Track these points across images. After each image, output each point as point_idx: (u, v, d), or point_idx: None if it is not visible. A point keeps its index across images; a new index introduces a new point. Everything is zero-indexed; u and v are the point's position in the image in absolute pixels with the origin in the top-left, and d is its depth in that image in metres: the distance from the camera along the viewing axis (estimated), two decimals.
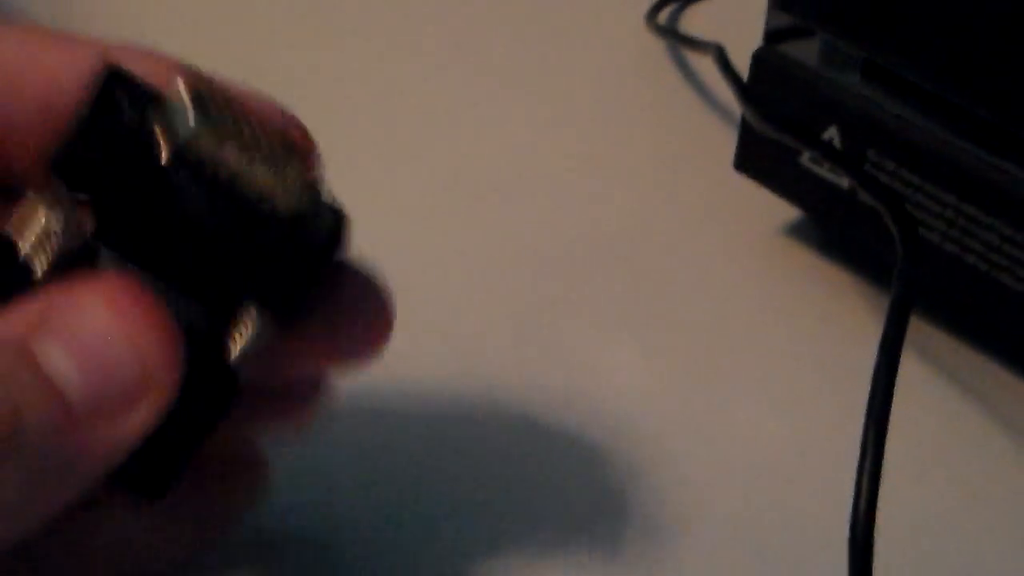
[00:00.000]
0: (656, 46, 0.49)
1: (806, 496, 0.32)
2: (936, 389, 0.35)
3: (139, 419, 0.23)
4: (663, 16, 0.51)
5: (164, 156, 0.23)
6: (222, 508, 0.27)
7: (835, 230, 0.39)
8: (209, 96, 0.23)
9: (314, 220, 0.25)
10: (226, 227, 0.24)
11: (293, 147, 0.24)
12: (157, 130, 0.23)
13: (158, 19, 0.49)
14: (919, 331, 0.36)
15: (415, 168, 0.42)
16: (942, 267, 0.35)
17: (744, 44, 0.38)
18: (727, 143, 0.40)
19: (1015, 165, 0.33)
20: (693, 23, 0.51)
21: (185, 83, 0.23)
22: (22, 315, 0.23)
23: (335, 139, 0.42)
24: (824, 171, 0.37)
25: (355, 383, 0.30)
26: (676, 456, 0.33)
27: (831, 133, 0.36)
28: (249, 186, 0.23)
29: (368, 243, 0.38)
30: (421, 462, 0.32)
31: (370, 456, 0.32)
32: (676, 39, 0.48)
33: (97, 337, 0.22)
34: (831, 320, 0.37)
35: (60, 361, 0.22)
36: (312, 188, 0.24)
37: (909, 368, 0.30)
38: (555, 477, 0.32)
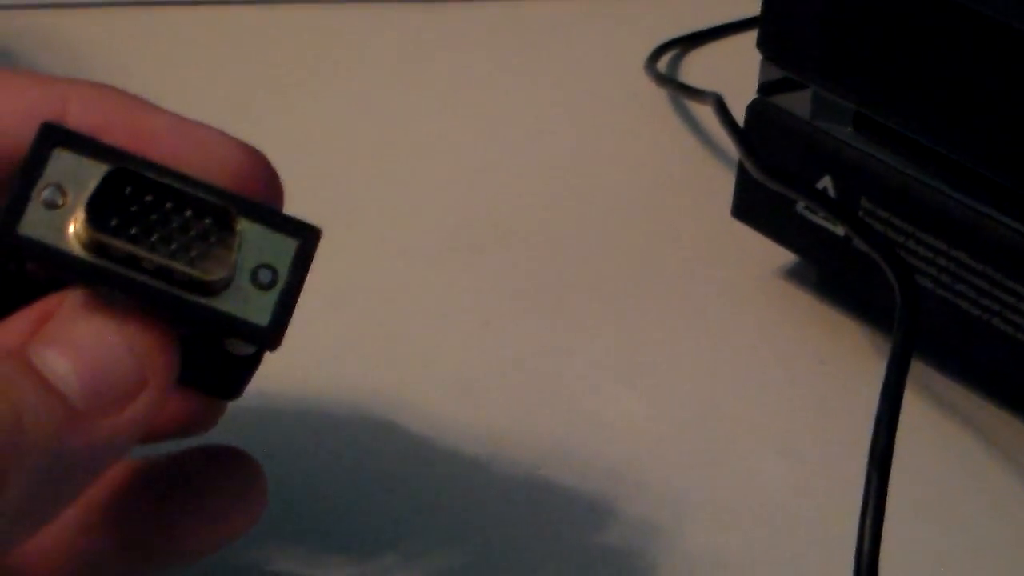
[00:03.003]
0: (656, 92, 0.50)
1: (809, 538, 0.33)
2: (936, 428, 0.36)
3: (139, 412, 0.23)
4: (663, 62, 0.51)
5: (77, 249, 0.23)
6: (219, 530, 0.27)
7: (832, 274, 0.40)
8: (129, 178, 0.23)
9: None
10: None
11: (227, 216, 0.23)
12: (77, 217, 0.23)
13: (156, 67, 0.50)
14: (918, 371, 0.37)
15: (414, 213, 0.43)
16: (935, 311, 0.36)
17: (744, 89, 0.39)
18: (725, 188, 0.40)
19: (1003, 213, 0.34)
20: (693, 68, 0.52)
21: (104, 177, 0.23)
22: (19, 325, 0.23)
23: (336, 195, 0.42)
24: (820, 218, 0.38)
25: (348, 422, 0.30)
26: (677, 501, 0.33)
27: (825, 182, 0.37)
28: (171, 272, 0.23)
29: (368, 286, 0.39)
30: (417, 508, 0.33)
31: (363, 495, 0.33)
32: (675, 88, 0.49)
33: (91, 337, 0.23)
34: (830, 361, 0.38)
35: (58, 365, 0.23)
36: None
37: (909, 408, 0.31)
38: (554, 523, 0.33)
